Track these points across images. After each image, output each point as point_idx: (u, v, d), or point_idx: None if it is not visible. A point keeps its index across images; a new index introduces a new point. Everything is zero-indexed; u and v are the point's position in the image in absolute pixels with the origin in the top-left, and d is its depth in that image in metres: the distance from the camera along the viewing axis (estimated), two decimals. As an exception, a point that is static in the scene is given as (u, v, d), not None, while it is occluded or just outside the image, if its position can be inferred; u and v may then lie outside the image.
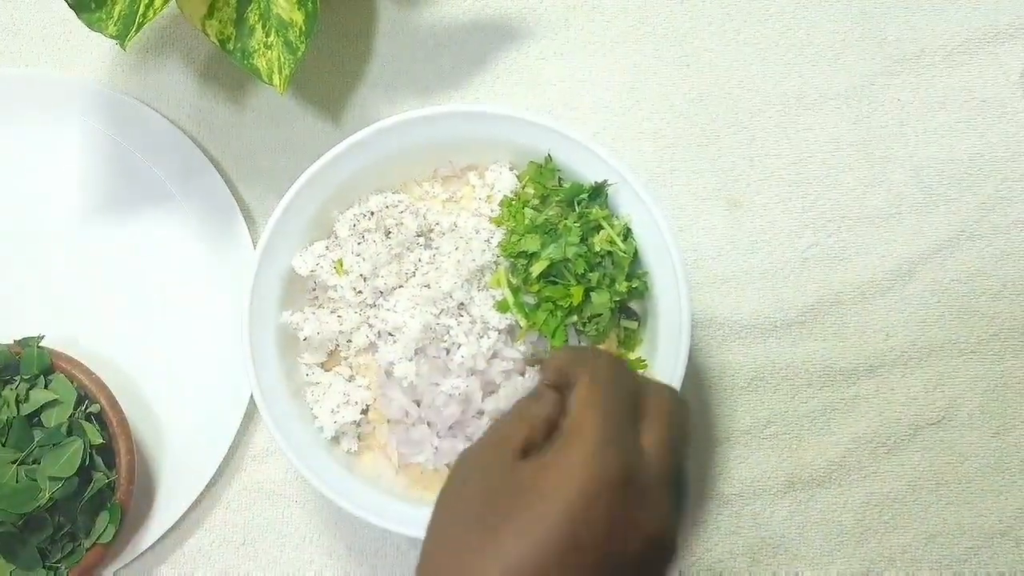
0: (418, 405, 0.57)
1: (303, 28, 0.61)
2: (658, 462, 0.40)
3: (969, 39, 0.70)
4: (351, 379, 0.60)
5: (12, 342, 0.63)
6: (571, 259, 0.56)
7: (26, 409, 0.60)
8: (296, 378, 0.59)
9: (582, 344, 0.58)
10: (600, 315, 0.56)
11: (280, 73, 0.62)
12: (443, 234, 0.59)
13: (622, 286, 0.56)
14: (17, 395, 0.60)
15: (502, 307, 0.57)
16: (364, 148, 0.58)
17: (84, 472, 0.60)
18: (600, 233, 0.57)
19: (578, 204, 0.57)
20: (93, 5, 0.59)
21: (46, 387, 0.61)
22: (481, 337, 0.57)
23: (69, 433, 0.60)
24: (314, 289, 0.60)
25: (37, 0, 0.72)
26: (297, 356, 0.60)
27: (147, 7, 0.57)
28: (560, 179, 0.59)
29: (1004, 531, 0.65)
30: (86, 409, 0.62)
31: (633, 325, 0.59)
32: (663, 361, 0.56)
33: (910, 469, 0.66)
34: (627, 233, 0.57)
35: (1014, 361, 0.67)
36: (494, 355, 0.56)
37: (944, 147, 0.69)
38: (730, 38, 0.70)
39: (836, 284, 0.68)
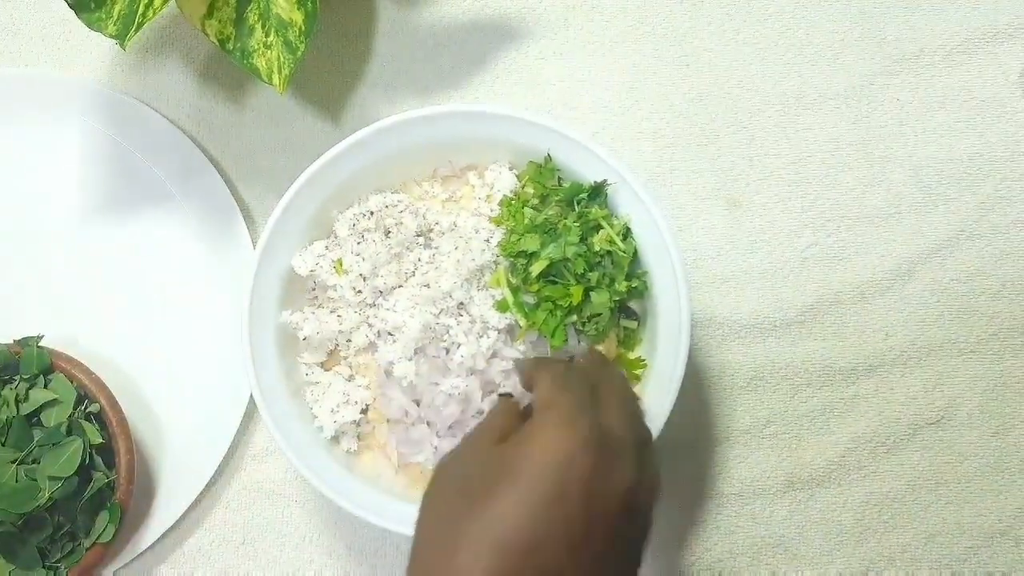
0: (418, 405, 0.57)
1: (303, 28, 0.61)
2: (620, 432, 0.44)
3: (968, 39, 0.70)
4: (351, 379, 0.60)
5: (12, 342, 0.63)
6: (571, 259, 0.56)
7: (26, 409, 0.60)
8: (296, 378, 0.59)
9: (581, 344, 0.58)
10: (600, 315, 0.56)
11: (280, 73, 0.62)
12: (443, 234, 0.59)
13: (622, 286, 0.56)
14: (17, 395, 0.60)
15: (502, 307, 0.57)
16: (364, 148, 0.58)
17: (84, 472, 0.60)
18: (600, 233, 0.57)
19: (578, 204, 0.58)
20: (93, 5, 0.59)
21: (46, 387, 0.61)
22: (481, 337, 0.57)
23: (69, 433, 0.60)
24: (314, 289, 0.60)
25: (36, 0, 0.72)
26: (297, 356, 0.60)
27: (147, 7, 0.57)
28: (560, 179, 0.59)
29: (1004, 530, 0.65)
30: (86, 409, 0.62)
31: (633, 325, 0.59)
32: (662, 360, 0.56)
33: (909, 469, 0.66)
34: (627, 233, 0.57)
35: (1013, 361, 0.67)
36: (494, 355, 0.56)
37: (943, 147, 0.69)
38: (729, 38, 0.71)
39: (835, 284, 0.68)
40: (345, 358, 0.60)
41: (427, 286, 0.57)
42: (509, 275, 0.57)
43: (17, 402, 0.60)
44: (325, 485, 0.56)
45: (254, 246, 0.66)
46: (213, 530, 0.66)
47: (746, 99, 0.70)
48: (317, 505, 0.66)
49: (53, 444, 0.59)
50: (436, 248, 0.59)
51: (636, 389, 0.58)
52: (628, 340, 0.59)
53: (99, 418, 0.62)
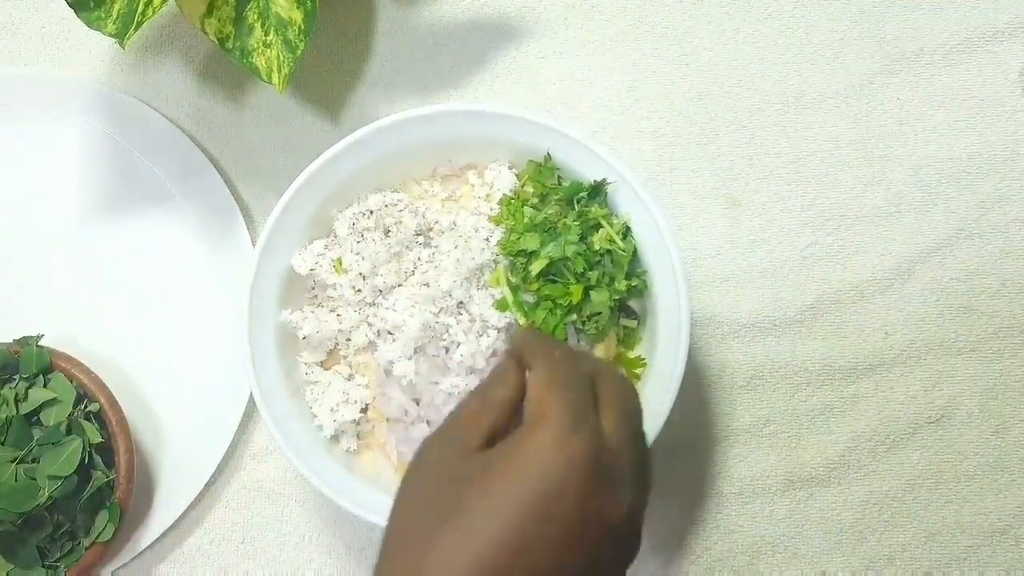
0: (417, 404, 0.57)
1: (302, 27, 0.61)
2: (618, 446, 0.40)
3: (968, 38, 0.70)
4: (350, 378, 0.60)
5: (11, 341, 0.63)
6: (570, 257, 0.56)
7: (25, 408, 0.60)
8: (295, 377, 0.59)
9: (581, 344, 0.58)
10: (599, 313, 0.56)
11: (279, 72, 0.62)
12: (442, 233, 0.59)
13: (621, 285, 0.56)
14: (16, 394, 0.60)
15: (501, 306, 0.57)
16: (363, 147, 0.58)
17: (83, 471, 0.60)
18: (599, 232, 0.57)
19: (577, 203, 0.58)
20: (92, 3, 0.59)
21: (45, 386, 0.61)
22: (480, 336, 0.57)
23: (68, 432, 0.60)
24: (313, 288, 0.60)
25: (36, -1, 0.72)
26: (296, 355, 0.60)
27: (146, 5, 0.57)
28: (559, 178, 0.59)
29: (1004, 529, 0.65)
30: (85, 408, 0.62)
31: (632, 323, 0.59)
32: (662, 359, 0.56)
33: (909, 467, 0.66)
34: (626, 232, 0.57)
35: (1013, 360, 0.67)
36: (493, 354, 0.56)
37: (943, 146, 0.69)
38: (729, 37, 0.71)
39: (835, 283, 0.68)
40: (345, 357, 0.60)
41: (427, 285, 0.57)
42: (509, 274, 0.57)
43: (16, 401, 0.60)
44: (325, 484, 0.56)
45: (254, 245, 0.66)
46: (213, 529, 0.66)
47: (746, 98, 0.70)
48: (317, 504, 0.66)
49: (53, 443, 0.59)
50: (436, 247, 0.59)
51: (636, 387, 0.58)
52: (628, 339, 0.59)
53: (99, 417, 0.62)
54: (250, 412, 0.66)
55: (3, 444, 0.59)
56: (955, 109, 0.69)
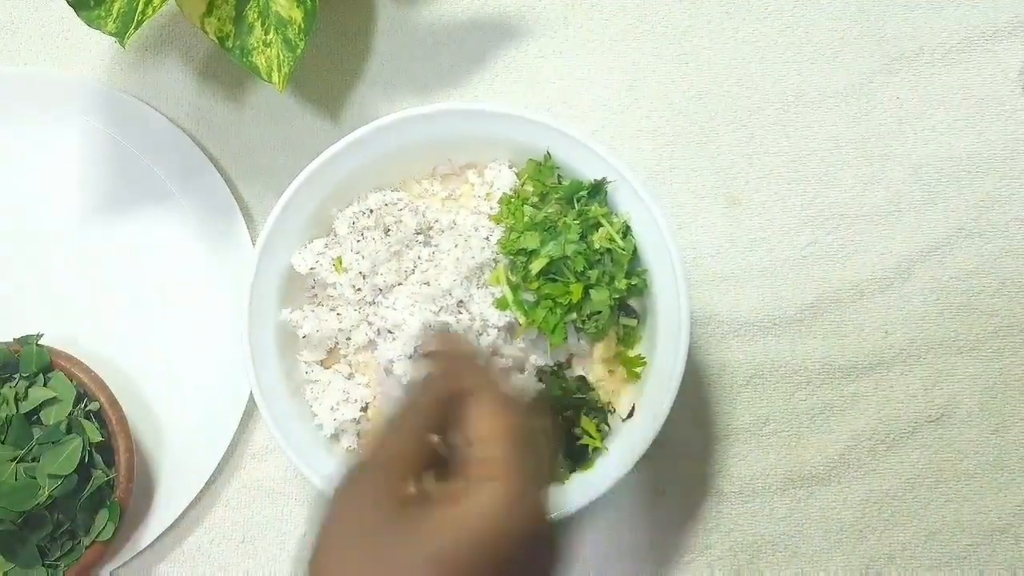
0: (417, 403, 0.57)
1: (302, 26, 0.61)
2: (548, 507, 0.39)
3: (968, 37, 0.70)
4: (351, 377, 0.60)
5: (11, 340, 0.63)
6: (570, 256, 0.56)
7: (25, 407, 0.60)
8: (295, 376, 0.59)
9: (581, 342, 0.58)
10: (599, 312, 0.56)
11: (279, 71, 0.62)
12: (442, 232, 0.59)
13: (621, 284, 0.56)
14: (16, 393, 0.60)
15: (501, 305, 0.57)
16: (363, 146, 0.58)
17: (83, 470, 0.60)
18: (599, 231, 0.57)
19: (577, 202, 0.58)
20: (92, 3, 0.59)
21: (45, 385, 0.61)
22: (480, 335, 0.57)
23: (68, 431, 0.60)
24: (313, 287, 0.60)
25: (36, -2, 0.72)
26: (296, 354, 0.60)
27: (146, 4, 0.57)
28: (559, 177, 0.59)
29: (1004, 528, 0.65)
30: (85, 407, 0.62)
31: (632, 323, 0.59)
32: (662, 359, 0.56)
33: (909, 466, 0.66)
34: (626, 231, 0.57)
35: (1013, 358, 0.67)
36: (493, 352, 0.56)
37: (943, 145, 0.69)
38: (729, 36, 0.71)
39: (835, 282, 0.68)
40: (345, 356, 0.60)
41: (427, 284, 0.57)
42: (509, 273, 0.57)
43: (16, 400, 0.60)
44: (325, 483, 0.56)
45: (254, 244, 0.66)
46: (213, 529, 0.66)
47: (745, 97, 0.70)
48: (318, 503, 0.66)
49: (53, 442, 0.59)
50: (436, 246, 0.59)
51: (636, 387, 0.58)
52: (628, 338, 0.59)
53: (99, 416, 0.62)
54: (250, 411, 0.66)
55: (3, 443, 0.59)
56: (955, 108, 0.69)
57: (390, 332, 0.57)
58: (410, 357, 0.57)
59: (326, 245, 0.59)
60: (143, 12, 0.57)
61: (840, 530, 0.65)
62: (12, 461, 0.59)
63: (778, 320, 0.67)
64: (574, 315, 0.56)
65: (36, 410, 0.61)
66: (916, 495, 0.66)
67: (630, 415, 0.57)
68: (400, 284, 0.59)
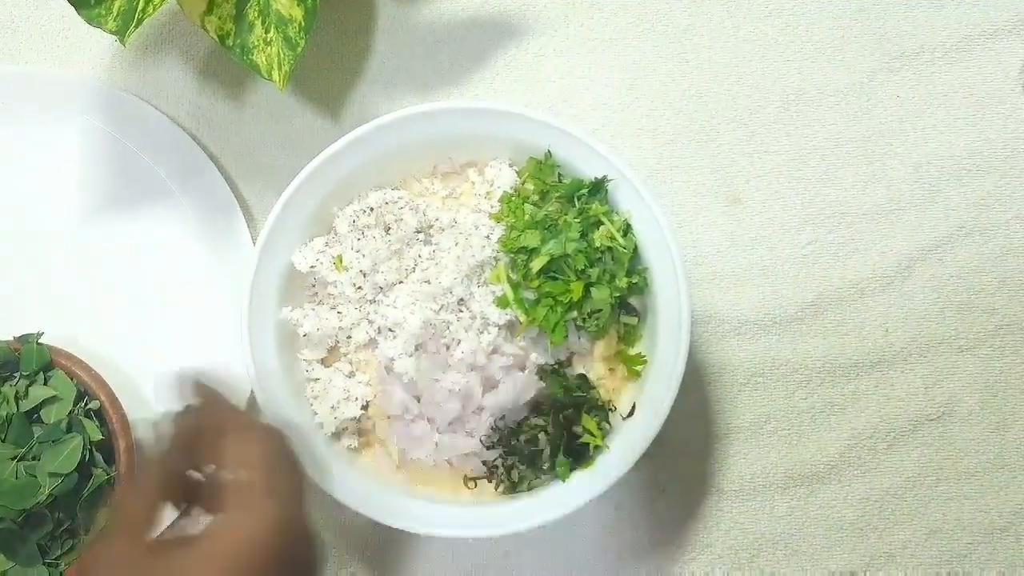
0: (418, 401, 0.57)
1: (302, 24, 0.61)
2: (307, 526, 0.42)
3: (968, 36, 0.70)
4: (351, 375, 0.60)
5: (12, 339, 0.62)
6: (571, 255, 0.56)
7: (25, 406, 0.60)
8: (296, 374, 0.59)
9: (581, 341, 0.58)
10: (600, 311, 0.56)
11: (280, 69, 0.62)
12: (443, 230, 0.59)
13: (622, 282, 0.56)
14: (16, 392, 0.60)
15: (502, 303, 0.57)
16: (363, 145, 0.58)
17: (84, 468, 0.60)
18: (600, 229, 0.57)
19: (578, 200, 0.58)
20: (92, 1, 0.59)
21: (46, 383, 0.61)
22: (481, 333, 0.57)
23: (69, 429, 0.60)
24: (314, 285, 0.60)
25: (36, -3, 0.72)
26: (297, 352, 0.60)
27: (147, 3, 0.57)
28: (560, 175, 0.59)
29: (1004, 527, 0.65)
30: (86, 405, 0.62)
31: (633, 321, 0.59)
32: (663, 357, 0.56)
33: (910, 465, 0.66)
34: (627, 229, 0.57)
35: (1013, 357, 0.67)
36: (494, 351, 0.56)
37: (943, 143, 0.69)
38: (729, 35, 0.71)
39: (835, 280, 0.68)
40: (345, 354, 0.60)
41: (427, 282, 0.57)
42: (509, 271, 0.57)
43: (17, 399, 0.60)
44: (326, 482, 0.56)
45: (254, 243, 0.66)
46: (213, 527, 0.66)
47: (746, 96, 0.70)
48: (318, 501, 0.66)
49: (53, 441, 0.59)
50: (436, 244, 0.59)
51: (636, 385, 0.58)
52: (628, 336, 0.59)
53: (99, 415, 0.62)
54: (250, 410, 0.66)
55: (4, 442, 0.59)
56: (955, 107, 0.69)
57: (391, 330, 0.57)
58: (411, 355, 0.57)
59: (327, 243, 0.59)
60: (143, 10, 0.57)
61: (841, 528, 0.65)
62: (13, 460, 0.58)
63: (779, 318, 0.67)
64: (575, 313, 0.56)
65: (36, 409, 0.61)
66: (916, 493, 0.66)
67: (631, 413, 0.57)
68: (401, 282, 0.59)
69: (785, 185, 0.69)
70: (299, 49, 0.61)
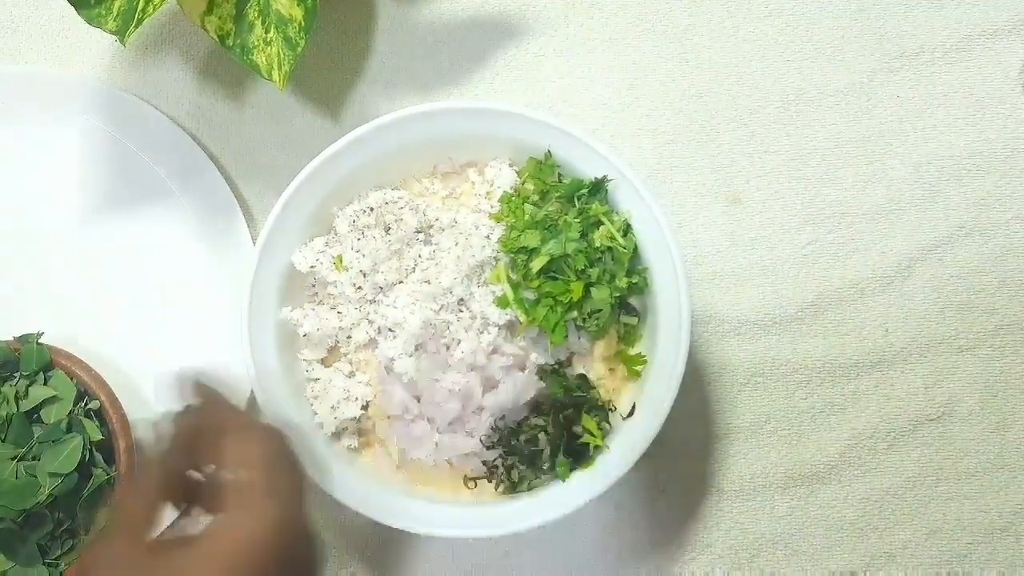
0: (418, 401, 0.57)
1: (302, 24, 0.61)
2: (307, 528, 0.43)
3: (968, 35, 0.70)
4: (351, 375, 0.60)
5: (11, 339, 0.62)
6: (571, 255, 0.56)
7: (25, 405, 0.60)
8: (296, 374, 0.59)
9: (581, 340, 0.58)
10: (600, 311, 0.56)
11: (280, 69, 0.62)
12: (443, 230, 0.59)
13: (622, 282, 0.56)
14: (16, 391, 0.60)
15: (502, 303, 0.57)
16: (363, 145, 0.58)
17: (84, 468, 0.60)
18: (600, 229, 0.57)
19: (578, 200, 0.58)
20: (92, 1, 0.59)
21: (45, 383, 0.61)
22: (481, 333, 0.57)
23: (69, 429, 0.60)
24: (314, 285, 0.60)
25: (36, -3, 0.72)
26: (297, 352, 0.60)
27: (147, 2, 0.57)
28: (560, 175, 0.59)
29: (1004, 527, 0.65)
30: (86, 405, 0.62)
31: (633, 321, 0.59)
32: (663, 357, 0.56)
33: (910, 465, 0.66)
34: (627, 229, 0.57)
35: (1013, 357, 0.67)
36: (494, 351, 0.56)
37: (943, 143, 0.69)
38: (729, 35, 0.71)
39: (835, 280, 0.68)
40: (345, 354, 0.60)
41: (427, 282, 0.57)
42: (509, 271, 0.57)
43: (17, 399, 0.60)
44: (326, 482, 0.56)
45: (254, 243, 0.66)
46: (213, 527, 0.66)
47: (746, 96, 0.70)
48: (317, 501, 0.66)
49: (53, 441, 0.59)
50: (436, 244, 0.59)
51: (636, 385, 0.58)
52: (628, 336, 0.59)
53: (99, 415, 0.62)
54: (250, 409, 0.66)
55: (4, 441, 0.59)
56: (955, 107, 0.69)
57: (391, 330, 0.57)
58: (411, 355, 0.57)
59: (327, 243, 0.59)
60: (143, 10, 0.57)
61: (841, 528, 0.65)
62: (13, 460, 0.58)
63: (779, 318, 0.67)
64: (575, 313, 0.56)
65: (36, 408, 0.61)
66: (917, 493, 0.66)
67: (631, 413, 0.57)
68: (401, 282, 0.59)
69: (785, 185, 0.69)
70: (299, 49, 0.61)
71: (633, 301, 0.59)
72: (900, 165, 0.69)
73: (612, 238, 0.56)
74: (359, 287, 0.58)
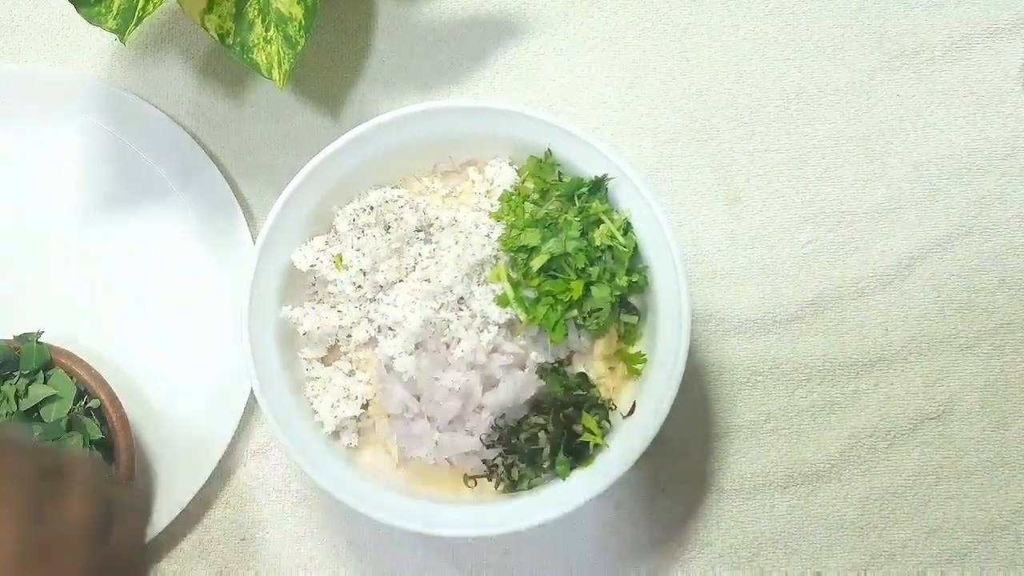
0: (418, 399, 0.57)
1: (302, 22, 0.61)
2: (79, 526, 0.41)
3: (968, 34, 0.70)
4: (351, 374, 0.60)
5: (11, 337, 0.62)
6: (571, 253, 0.56)
7: (25, 404, 0.60)
8: (296, 373, 0.59)
9: (582, 340, 0.58)
10: (600, 309, 0.56)
11: (280, 68, 0.62)
12: (443, 229, 0.59)
13: (622, 280, 0.56)
14: (16, 390, 0.60)
15: (502, 301, 0.57)
16: (363, 143, 0.58)
17: (84, 467, 0.59)
18: (600, 227, 0.57)
19: (578, 198, 0.57)
20: None
21: (45, 382, 0.61)
22: (481, 331, 0.57)
23: (69, 428, 0.60)
24: (314, 284, 0.60)
25: (36, -4, 0.72)
26: (297, 351, 0.60)
27: (146, 1, 0.57)
28: (560, 174, 0.59)
29: (1004, 525, 0.65)
30: (86, 404, 0.62)
31: (633, 320, 0.59)
32: (663, 356, 0.56)
33: (910, 464, 0.66)
34: (627, 228, 0.57)
35: (1013, 356, 0.67)
36: (494, 349, 0.56)
37: (943, 142, 0.69)
38: (729, 33, 0.71)
39: (835, 279, 0.68)
40: (345, 353, 0.60)
41: (427, 281, 0.57)
42: (509, 270, 0.57)
43: (17, 398, 0.60)
44: (326, 480, 0.56)
45: (254, 242, 0.66)
46: (213, 526, 0.66)
47: (746, 94, 0.70)
48: (318, 501, 0.66)
49: (53, 439, 0.59)
50: (436, 243, 0.59)
51: (636, 384, 0.58)
52: (628, 335, 0.59)
53: (99, 414, 0.62)
54: (250, 409, 0.66)
55: (3, 440, 0.59)
56: (955, 105, 0.69)
57: (391, 329, 0.57)
58: (411, 354, 0.56)
59: (327, 242, 0.59)
60: (143, 9, 0.57)
61: (841, 527, 0.65)
62: (12, 458, 0.58)
63: (779, 317, 0.67)
64: (575, 312, 0.56)
65: (36, 407, 0.61)
66: (917, 492, 0.66)
67: (631, 412, 0.57)
68: (401, 281, 0.59)
69: (785, 184, 0.69)
70: (299, 48, 0.61)
71: (633, 300, 0.59)
72: (900, 164, 0.69)
73: (612, 237, 0.56)
74: (359, 286, 0.58)
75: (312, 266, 0.58)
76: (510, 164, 0.60)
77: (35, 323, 0.64)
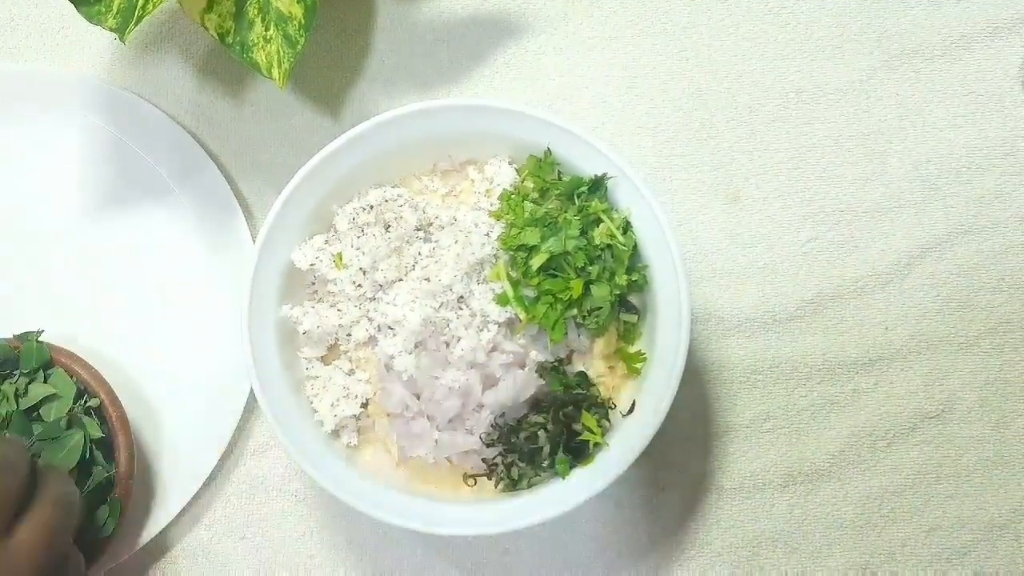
0: (418, 398, 0.57)
1: (302, 22, 0.61)
2: (29, 543, 0.46)
3: (968, 34, 0.70)
4: (351, 373, 0.60)
5: (11, 337, 0.62)
6: (571, 252, 0.56)
7: (25, 403, 0.60)
8: (296, 372, 0.59)
9: (581, 337, 0.58)
10: (600, 308, 0.56)
11: (279, 67, 0.62)
12: (442, 228, 0.59)
13: (622, 279, 0.56)
14: (16, 389, 0.60)
15: (502, 300, 0.57)
16: (363, 142, 0.58)
17: (84, 466, 0.60)
18: (600, 226, 0.57)
19: (578, 198, 0.58)
20: (92, -1, 0.59)
21: (45, 381, 0.61)
22: (481, 330, 0.57)
23: (69, 427, 0.60)
24: (313, 283, 0.60)
25: (35, -5, 0.72)
26: (297, 350, 0.60)
27: (146, 0, 0.57)
28: (559, 173, 0.59)
29: (1004, 524, 0.65)
30: (86, 403, 0.62)
31: (633, 319, 0.59)
32: (662, 355, 0.56)
33: (909, 463, 0.66)
34: (627, 227, 0.57)
35: (1013, 355, 0.67)
36: (494, 348, 0.56)
37: (943, 141, 0.69)
38: (729, 32, 0.71)
39: (835, 278, 0.68)
40: (345, 352, 0.60)
41: (427, 280, 0.57)
42: (509, 269, 0.57)
43: (17, 397, 0.60)
44: (325, 479, 0.56)
45: (254, 241, 0.66)
46: (213, 525, 0.66)
47: (746, 94, 0.70)
48: (317, 500, 0.66)
49: (53, 438, 0.59)
50: (436, 242, 0.59)
51: (636, 383, 0.58)
52: (628, 334, 0.59)
53: (99, 413, 0.62)
54: (250, 408, 0.66)
55: (3, 439, 0.59)
56: (955, 105, 0.69)
57: (390, 328, 0.57)
58: (410, 353, 0.57)
59: (326, 241, 0.59)
60: (143, 8, 0.57)
61: (840, 526, 0.65)
62: (12, 457, 0.58)
63: (778, 316, 0.67)
64: (574, 311, 0.56)
65: (36, 406, 0.61)
66: (916, 491, 0.66)
67: (631, 411, 0.57)
68: (400, 280, 0.59)
69: (785, 183, 0.69)
70: (299, 47, 0.61)
71: (633, 299, 0.59)
72: (899, 163, 0.69)
73: (612, 236, 0.56)
74: (359, 285, 0.58)
75: (312, 265, 0.58)
76: (510, 163, 0.60)
77: (35, 322, 0.64)
